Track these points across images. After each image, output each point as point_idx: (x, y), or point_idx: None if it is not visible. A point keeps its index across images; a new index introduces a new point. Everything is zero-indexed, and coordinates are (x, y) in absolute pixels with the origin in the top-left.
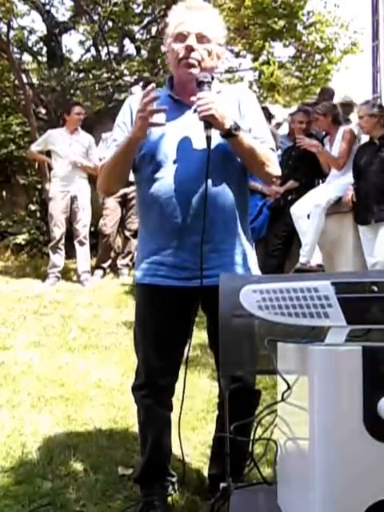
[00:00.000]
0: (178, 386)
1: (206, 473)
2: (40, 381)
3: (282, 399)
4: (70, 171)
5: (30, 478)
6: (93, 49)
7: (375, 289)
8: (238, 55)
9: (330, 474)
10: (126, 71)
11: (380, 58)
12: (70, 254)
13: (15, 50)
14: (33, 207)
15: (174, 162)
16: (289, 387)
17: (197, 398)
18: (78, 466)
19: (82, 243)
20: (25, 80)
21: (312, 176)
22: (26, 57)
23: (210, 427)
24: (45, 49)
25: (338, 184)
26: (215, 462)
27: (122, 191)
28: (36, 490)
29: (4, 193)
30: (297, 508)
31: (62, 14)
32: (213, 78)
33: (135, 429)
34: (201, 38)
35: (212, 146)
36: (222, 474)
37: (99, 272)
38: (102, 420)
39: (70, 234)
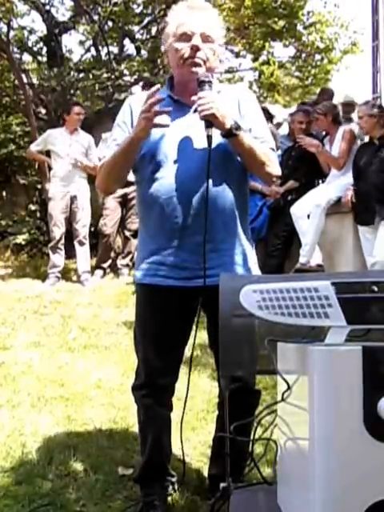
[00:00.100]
0: (178, 385)
1: (206, 473)
2: (40, 381)
3: (282, 399)
4: (69, 171)
5: (29, 478)
6: (93, 49)
7: (375, 289)
8: (238, 55)
9: (329, 473)
10: (125, 71)
11: (380, 58)
12: (70, 253)
13: (15, 49)
14: (33, 207)
15: (174, 162)
16: (289, 387)
17: (197, 398)
18: (78, 466)
19: (81, 243)
20: (25, 80)
21: (312, 176)
22: (26, 57)
23: (210, 427)
24: (45, 49)
25: (338, 184)
26: (215, 461)
27: (121, 191)
28: (36, 490)
29: (4, 193)
30: (297, 508)
31: (62, 14)
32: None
33: (135, 429)
34: (205, 38)
35: (212, 146)
36: (222, 473)
37: (99, 272)
38: (102, 420)
39: (70, 234)
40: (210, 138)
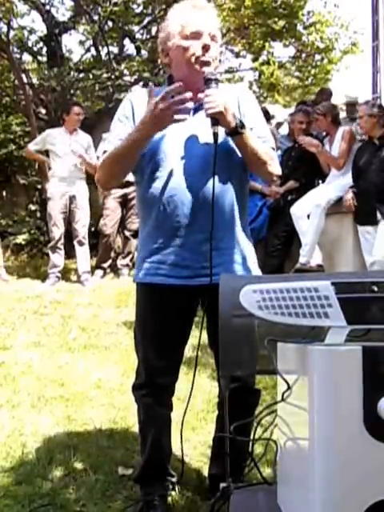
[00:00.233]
0: (178, 385)
1: (206, 473)
2: (40, 381)
3: (282, 399)
4: (68, 171)
5: (29, 478)
6: (93, 49)
7: (375, 289)
8: (238, 55)
9: (329, 474)
10: (126, 71)
11: (380, 58)
12: (70, 253)
13: (15, 49)
14: (33, 207)
15: (176, 161)
16: (289, 387)
17: (197, 398)
18: (78, 466)
19: (81, 243)
20: (25, 80)
21: (312, 176)
22: (26, 57)
23: (210, 427)
24: (45, 49)
25: (338, 184)
26: (215, 461)
27: (121, 191)
28: (36, 490)
29: (4, 193)
30: (297, 508)
31: (62, 13)
32: None
33: (135, 429)
34: (213, 38)
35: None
36: (222, 474)
37: (99, 272)
38: (102, 420)
39: (70, 234)
40: (216, 135)
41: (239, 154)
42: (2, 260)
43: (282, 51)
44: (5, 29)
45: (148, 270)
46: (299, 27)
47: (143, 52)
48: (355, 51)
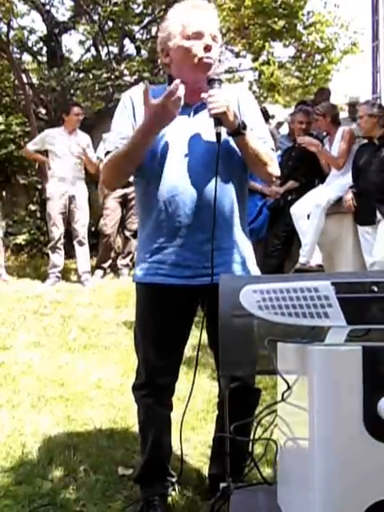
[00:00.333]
0: (178, 385)
1: (206, 473)
2: (40, 381)
3: (282, 399)
4: (67, 171)
5: (29, 478)
6: (93, 49)
7: (375, 289)
8: (238, 55)
9: (329, 474)
10: (125, 71)
11: (380, 58)
12: (70, 253)
13: (15, 50)
14: (33, 207)
15: (177, 161)
16: (289, 387)
17: (197, 398)
18: (77, 466)
19: (81, 243)
20: (25, 80)
21: (312, 176)
22: (26, 57)
23: (210, 427)
24: (45, 49)
25: (338, 184)
26: (215, 461)
27: (121, 191)
28: (36, 490)
29: (4, 193)
30: (297, 508)
31: (62, 13)
32: None
33: (135, 429)
34: (214, 38)
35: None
36: (222, 474)
37: (99, 272)
38: (102, 420)
39: (70, 234)
40: (219, 135)
41: (239, 155)
42: (3, 260)
43: (282, 51)
44: (5, 29)
45: (148, 269)
46: (299, 27)
47: (143, 52)
48: (355, 51)
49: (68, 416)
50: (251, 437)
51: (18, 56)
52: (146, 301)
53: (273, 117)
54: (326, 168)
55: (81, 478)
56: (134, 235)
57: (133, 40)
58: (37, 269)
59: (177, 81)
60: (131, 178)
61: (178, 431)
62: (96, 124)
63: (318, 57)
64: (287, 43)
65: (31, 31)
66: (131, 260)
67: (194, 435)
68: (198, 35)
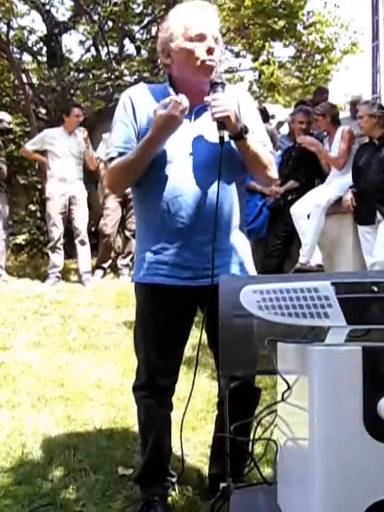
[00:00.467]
0: (178, 385)
1: (206, 473)
2: (40, 381)
3: (282, 399)
4: (67, 171)
5: (29, 478)
6: (93, 49)
7: (375, 289)
8: (238, 55)
9: (329, 474)
10: (125, 71)
11: (380, 58)
12: (70, 253)
13: (15, 50)
14: (33, 207)
15: (180, 163)
16: (289, 387)
17: (197, 398)
18: (77, 466)
19: (83, 243)
20: (25, 80)
21: (312, 176)
22: (26, 57)
23: (210, 427)
24: (45, 49)
25: (338, 184)
26: (215, 461)
27: None
28: (36, 490)
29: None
30: (297, 508)
31: (62, 13)
32: None
33: (135, 429)
34: (216, 40)
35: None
36: (222, 474)
37: (99, 272)
38: (102, 420)
39: (70, 234)
40: (222, 139)
41: (239, 157)
42: (3, 260)
43: (282, 51)
44: (5, 29)
45: (148, 270)
46: (299, 27)
47: (143, 52)
48: (355, 51)
49: (68, 416)
50: (251, 437)
51: (17, 56)
52: (146, 301)
53: (273, 117)
54: (326, 168)
55: (81, 478)
56: (134, 235)
57: (133, 40)
58: (37, 269)
59: (181, 97)
60: None
61: (178, 431)
62: (96, 124)
63: (317, 57)
64: (287, 43)
65: (31, 31)
66: (131, 260)
67: (194, 435)
68: (201, 37)
